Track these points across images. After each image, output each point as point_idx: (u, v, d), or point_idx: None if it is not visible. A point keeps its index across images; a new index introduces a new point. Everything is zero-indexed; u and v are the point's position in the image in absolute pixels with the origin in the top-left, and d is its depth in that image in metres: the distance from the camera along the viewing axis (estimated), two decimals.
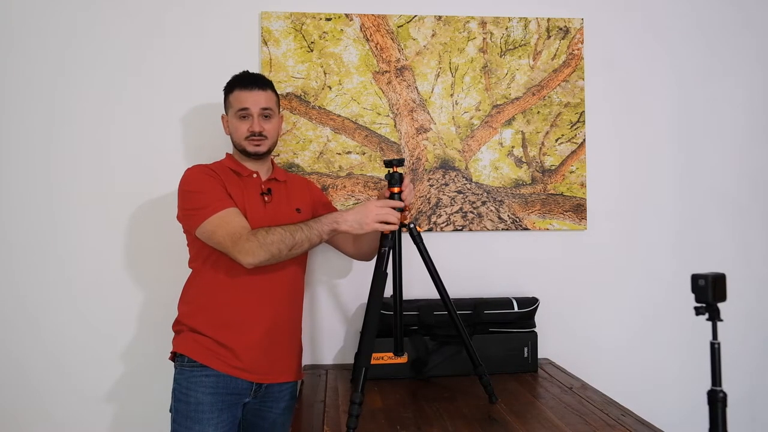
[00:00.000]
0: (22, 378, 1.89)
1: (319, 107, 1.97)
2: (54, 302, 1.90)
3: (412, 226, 1.53)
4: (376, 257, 1.50)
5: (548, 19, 2.05)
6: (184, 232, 1.63)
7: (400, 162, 1.50)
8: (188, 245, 1.63)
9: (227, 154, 1.69)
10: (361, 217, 1.49)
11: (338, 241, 1.76)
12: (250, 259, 1.45)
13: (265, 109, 1.62)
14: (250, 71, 1.67)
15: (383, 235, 1.49)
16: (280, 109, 1.76)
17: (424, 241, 1.54)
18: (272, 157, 1.76)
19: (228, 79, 1.67)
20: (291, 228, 1.49)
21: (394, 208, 1.49)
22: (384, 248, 1.46)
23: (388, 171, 1.53)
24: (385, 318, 1.64)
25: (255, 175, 1.64)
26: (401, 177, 1.52)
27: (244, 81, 1.62)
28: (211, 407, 1.49)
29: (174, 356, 1.57)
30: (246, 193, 1.59)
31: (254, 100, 1.60)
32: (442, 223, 2.01)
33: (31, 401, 1.89)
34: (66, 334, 1.90)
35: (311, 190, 1.79)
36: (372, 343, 1.40)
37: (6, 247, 1.90)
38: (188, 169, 1.59)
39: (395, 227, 1.49)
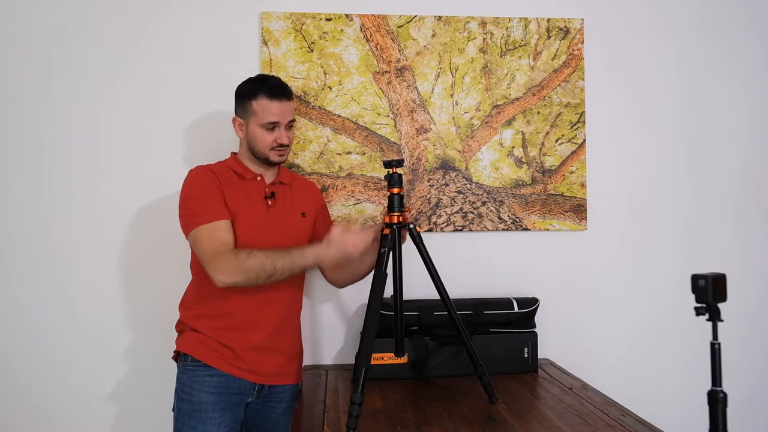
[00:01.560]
0: (21, 382, 1.89)
1: (319, 107, 1.98)
2: (53, 303, 1.90)
3: (411, 226, 1.53)
4: (375, 259, 1.49)
5: (548, 20, 2.05)
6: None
7: (400, 162, 1.50)
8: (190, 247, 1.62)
9: (232, 153, 1.66)
10: (339, 246, 1.45)
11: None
12: (224, 278, 1.41)
13: (291, 120, 1.59)
14: (272, 76, 1.62)
15: (383, 236, 1.49)
16: None
17: (424, 242, 1.53)
18: None
19: (229, 78, 1.66)
20: (274, 255, 1.43)
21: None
22: (384, 248, 1.47)
23: (388, 172, 1.53)
24: (386, 318, 1.64)
25: (259, 178, 1.61)
26: (401, 177, 1.52)
27: (273, 90, 1.55)
28: (214, 407, 1.49)
29: (177, 356, 1.57)
30: (248, 196, 1.57)
31: (284, 112, 1.55)
32: (442, 223, 2.01)
33: (31, 405, 1.89)
34: (67, 335, 1.90)
35: (317, 196, 1.77)
36: (372, 344, 1.40)
37: (4, 251, 1.89)
38: (190, 171, 1.57)
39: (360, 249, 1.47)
